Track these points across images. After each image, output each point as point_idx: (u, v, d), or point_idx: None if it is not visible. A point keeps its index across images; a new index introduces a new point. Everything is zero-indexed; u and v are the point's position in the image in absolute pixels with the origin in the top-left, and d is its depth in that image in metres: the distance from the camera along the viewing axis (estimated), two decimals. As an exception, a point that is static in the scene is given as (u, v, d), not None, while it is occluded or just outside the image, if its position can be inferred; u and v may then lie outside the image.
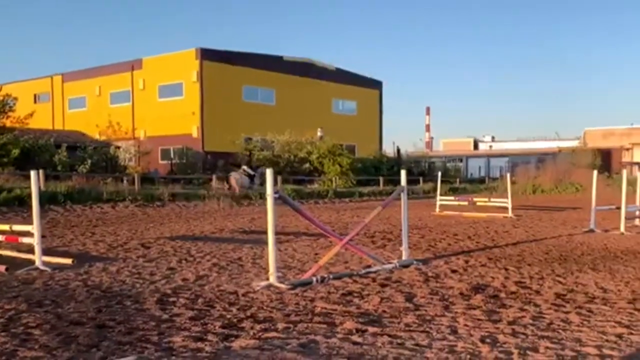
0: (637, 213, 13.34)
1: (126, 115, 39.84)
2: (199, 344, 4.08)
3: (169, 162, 36.22)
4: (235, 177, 22.51)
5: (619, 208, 12.14)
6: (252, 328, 4.50)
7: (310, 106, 42.03)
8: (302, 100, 41.55)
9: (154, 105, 39.07)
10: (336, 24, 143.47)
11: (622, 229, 11.65)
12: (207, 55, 37.34)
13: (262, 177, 18.24)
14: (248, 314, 4.96)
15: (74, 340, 4.14)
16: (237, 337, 4.27)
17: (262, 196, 6.37)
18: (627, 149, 69.50)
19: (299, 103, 41.29)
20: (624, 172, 13.12)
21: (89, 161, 26.67)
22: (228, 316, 4.87)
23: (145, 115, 39.11)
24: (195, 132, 37.11)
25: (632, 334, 4.39)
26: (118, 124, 38.15)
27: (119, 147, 31.66)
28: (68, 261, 7.58)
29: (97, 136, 37.21)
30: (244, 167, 23.75)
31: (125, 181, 24.40)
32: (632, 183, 16.64)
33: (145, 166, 34.52)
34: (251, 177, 22.41)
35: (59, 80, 45.38)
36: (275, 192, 6.21)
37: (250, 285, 6.16)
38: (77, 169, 25.44)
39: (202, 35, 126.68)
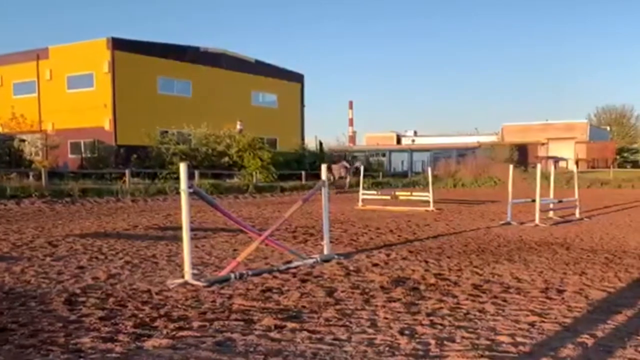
0: (551, 205, 14.12)
1: (32, 107, 37.87)
2: (109, 345, 3.97)
3: (79, 156, 34.86)
4: (335, 168, 27.41)
5: (534, 201, 12.80)
6: (165, 327, 4.43)
7: (229, 98, 41.59)
8: (220, 92, 41.04)
9: (62, 97, 37.38)
10: (256, 15, 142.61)
11: (537, 220, 12.29)
12: (120, 45, 36.15)
13: (357, 170, 24.22)
14: (162, 312, 4.86)
15: (-33, 347, 3.91)
16: (149, 336, 4.18)
17: (178, 191, 6.25)
18: (543, 144, 73.35)
19: (217, 95, 40.76)
20: (539, 166, 13.82)
21: (-11, 155, 25.27)
22: (140, 315, 4.77)
23: (53, 107, 37.34)
24: (107, 125, 35.88)
25: (543, 322, 4.63)
26: (22, 116, 36.25)
27: (23, 141, 30.12)
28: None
29: (-2, 129, 35.29)
30: (344, 162, 28.83)
31: (31, 176, 23.31)
32: (546, 177, 17.58)
33: (54, 160, 33.03)
34: (348, 170, 26.85)
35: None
36: (190, 187, 6.11)
37: (164, 283, 6.04)
38: (-25, 163, 24.04)
39: (115, 25, 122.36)
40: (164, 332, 4.31)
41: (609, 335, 4.25)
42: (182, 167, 6.09)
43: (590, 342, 4.09)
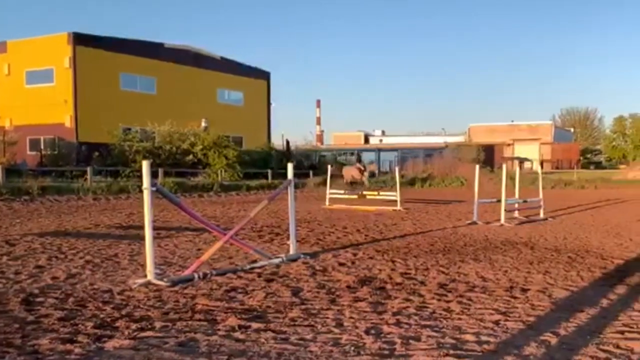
0: (516, 205, 14.36)
1: (-12, 102, 37.04)
2: (68, 346, 3.90)
3: (39, 153, 34.14)
4: (347, 170, 27.88)
5: (499, 201, 13.00)
6: (127, 328, 4.37)
7: (194, 96, 41.27)
8: (185, 89, 40.70)
9: (21, 92, 36.56)
10: (221, 11, 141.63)
11: (503, 220, 12.49)
12: (81, 40, 35.55)
13: (373, 174, 26.62)
14: (123, 313, 4.80)
15: None
16: (110, 337, 4.12)
17: (141, 189, 6.17)
18: (509, 145, 74.65)
19: (181, 92, 40.39)
20: (504, 167, 14.05)
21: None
22: (101, 316, 4.69)
23: (12, 103, 36.45)
24: (68, 122, 35.24)
25: (508, 320, 4.71)
26: (-21, 112, 35.39)
27: (-21, 137, 29.37)
28: None
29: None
30: (357, 164, 29.23)
31: (-13, 173, 22.67)
32: (512, 177, 17.87)
33: (11, 157, 32.24)
34: (362, 172, 27.07)
35: None
36: (153, 185, 6.03)
37: (126, 283, 5.96)
38: None
39: (77, 20, 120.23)
40: (126, 332, 4.25)
41: (571, 334, 4.34)
42: (145, 165, 6.02)
43: (553, 340, 4.17)
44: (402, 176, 26.44)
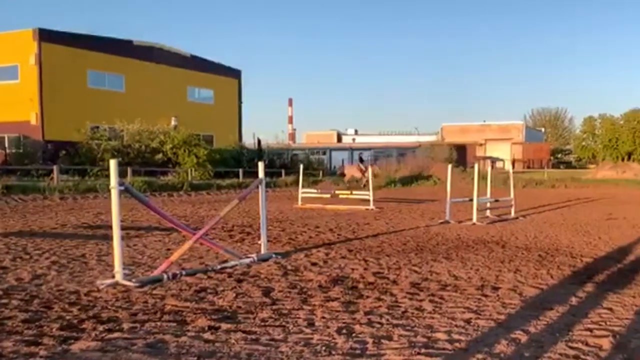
0: (488, 205, 14.53)
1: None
2: (33, 349, 3.84)
3: (3, 151, 33.44)
4: (349, 168, 28.91)
5: (471, 200, 13.14)
6: (94, 329, 4.31)
7: (164, 94, 40.91)
8: (154, 87, 40.31)
9: (-16, 90, 35.82)
10: (192, 9, 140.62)
11: (475, 219, 12.62)
12: (47, 36, 34.92)
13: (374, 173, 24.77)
14: (90, 314, 4.73)
15: None
16: (77, 339, 4.07)
17: (109, 188, 6.08)
18: (481, 145, 75.58)
19: (151, 90, 39.99)
20: (476, 166, 14.20)
21: None
22: (67, 317, 4.62)
23: (-25, 101, 35.72)
24: (33, 120, 34.57)
25: (479, 318, 4.76)
26: (-60, 109, 34.51)
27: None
28: None
29: None
30: (358, 162, 29.44)
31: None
32: (484, 177, 18.08)
33: (-26, 156, 31.61)
34: (363, 171, 27.47)
35: None
36: (121, 184, 5.96)
37: (94, 283, 5.88)
38: None
39: (43, 16, 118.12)
40: (93, 334, 4.20)
41: (541, 331, 4.41)
42: (112, 164, 5.96)
43: (523, 338, 4.23)
44: (375, 175, 26.59)
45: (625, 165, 48.66)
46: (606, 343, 4.12)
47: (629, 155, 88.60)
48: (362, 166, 29.21)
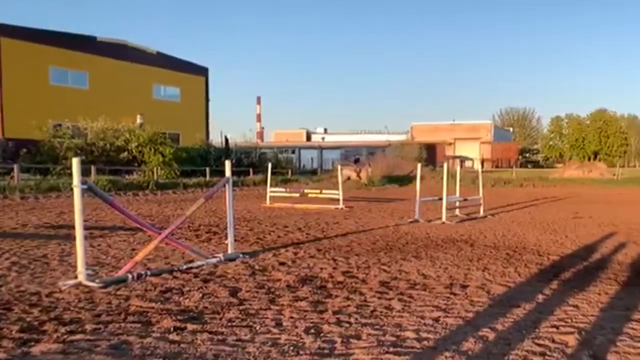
0: (457, 204, 14.70)
1: None
2: (-10, 352, 3.75)
3: None
4: (345, 169, 27.57)
5: (441, 199, 13.27)
6: (55, 331, 4.24)
7: (129, 91, 40.49)
8: (119, 84, 39.85)
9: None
10: (158, 5, 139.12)
11: (444, 218, 12.75)
12: (7, 31, 34.24)
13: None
14: (52, 315, 4.65)
15: None
16: (37, 341, 4.00)
17: (72, 187, 6.00)
18: (450, 144, 76.41)
19: (115, 87, 39.54)
20: (445, 165, 14.35)
21: None
22: (28, 319, 4.54)
23: None
24: (-7, 117, 33.90)
25: (447, 317, 4.81)
26: None
27: None
28: None
29: None
30: (353, 163, 30.05)
31: None
32: (453, 176, 18.28)
33: None
34: (357, 172, 28.01)
35: None
36: (84, 183, 5.86)
37: (56, 284, 5.77)
38: None
39: (2, 10, 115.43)
40: (54, 336, 4.13)
41: (508, 329, 4.47)
42: (75, 162, 5.88)
43: (491, 335, 4.29)
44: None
45: (592, 165, 49.75)
46: (572, 340, 4.20)
47: (595, 154, 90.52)
48: (356, 167, 29.38)
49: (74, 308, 4.90)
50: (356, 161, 31.94)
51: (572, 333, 4.35)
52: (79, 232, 5.83)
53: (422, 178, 13.82)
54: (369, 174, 29.25)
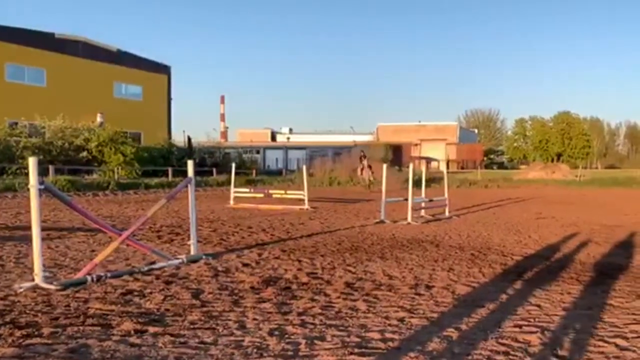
0: (423, 204, 14.84)
1: None
2: (-61, 359, 3.64)
3: None
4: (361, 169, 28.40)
5: (406, 199, 13.38)
6: (11, 335, 4.14)
7: (89, 89, 39.86)
8: (78, 82, 39.21)
9: None
10: (118, 1, 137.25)
11: (409, 219, 12.87)
12: (-39, 27, 33.41)
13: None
14: (7, 319, 4.54)
15: None
16: (-9, 346, 3.89)
17: (29, 187, 5.88)
18: (416, 145, 77.12)
19: (74, 85, 38.89)
20: (411, 166, 14.48)
21: None
22: (-20, 324, 4.42)
23: None
24: (-55, 115, 32.94)
25: (412, 317, 4.86)
26: None
27: None
28: None
29: None
30: (364, 162, 28.99)
31: None
32: (419, 176, 18.45)
33: None
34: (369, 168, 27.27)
35: None
36: (41, 183, 5.75)
37: (11, 287, 5.63)
38: None
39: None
40: (9, 340, 4.04)
41: (472, 329, 4.54)
42: (31, 162, 5.76)
43: (455, 335, 4.34)
44: (310, 174, 26.58)
45: (555, 166, 50.80)
46: (535, 339, 4.28)
47: (559, 156, 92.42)
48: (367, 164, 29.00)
49: (30, 311, 4.80)
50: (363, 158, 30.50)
51: (535, 332, 4.44)
52: (35, 233, 5.71)
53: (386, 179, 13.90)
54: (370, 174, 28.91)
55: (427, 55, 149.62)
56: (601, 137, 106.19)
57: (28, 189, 5.91)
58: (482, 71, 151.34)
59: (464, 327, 4.57)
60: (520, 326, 4.62)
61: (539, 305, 5.31)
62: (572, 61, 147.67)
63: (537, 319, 4.85)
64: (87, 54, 40.98)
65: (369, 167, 28.31)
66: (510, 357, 3.90)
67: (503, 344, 4.15)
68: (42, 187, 5.81)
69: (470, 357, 3.87)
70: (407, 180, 13.83)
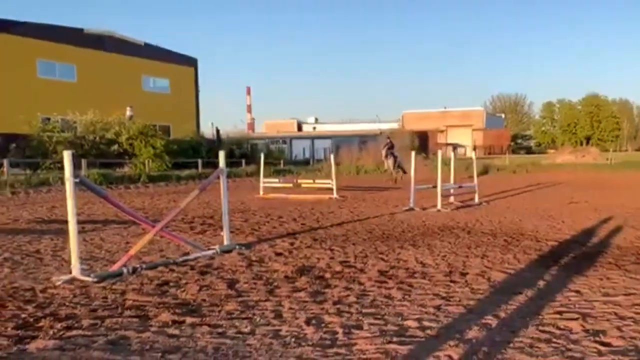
0: (452, 191, 14.68)
1: None
2: (-14, 350, 3.68)
3: None
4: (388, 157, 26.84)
5: (435, 187, 13.24)
6: (51, 327, 4.17)
7: (118, 83, 40.16)
8: (107, 76, 39.53)
9: None
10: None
11: (439, 206, 12.73)
12: (-7, 26, 33.87)
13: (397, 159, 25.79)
14: (47, 312, 4.58)
15: None
16: (33, 338, 3.94)
17: (63, 181, 5.96)
18: (442, 131, 76.45)
19: (104, 80, 39.22)
20: (439, 153, 14.31)
21: None
22: (23, 316, 4.47)
23: None
24: (-19, 112, 33.56)
25: (449, 305, 4.78)
26: None
27: None
28: None
29: None
30: (392, 151, 27.31)
31: None
32: (447, 163, 18.26)
33: None
34: (395, 158, 26.21)
35: None
36: (76, 176, 5.78)
37: (50, 280, 5.70)
38: None
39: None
40: (50, 332, 4.07)
41: (511, 316, 4.44)
42: (66, 155, 5.80)
43: (494, 323, 4.25)
44: (337, 164, 26.36)
45: (585, 150, 49.89)
46: (576, 326, 4.17)
47: (588, 139, 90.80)
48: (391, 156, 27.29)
49: (69, 303, 4.83)
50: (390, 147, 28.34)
51: (576, 319, 4.32)
52: (72, 226, 5.75)
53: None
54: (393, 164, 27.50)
55: (451, 40, 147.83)
56: (631, 119, 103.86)
57: (62, 183, 5.96)
58: (508, 55, 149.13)
59: (502, 314, 4.48)
60: (560, 313, 4.51)
61: (578, 291, 5.19)
62: (600, 42, 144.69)
63: (577, 305, 4.72)
64: (115, 48, 41.30)
65: (394, 156, 26.57)
66: (553, 344, 3.79)
67: (544, 331, 4.05)
68: (77, 180, 5.84)
69: (512, 345, 3.77)
70: (436, 166, 13.65)
